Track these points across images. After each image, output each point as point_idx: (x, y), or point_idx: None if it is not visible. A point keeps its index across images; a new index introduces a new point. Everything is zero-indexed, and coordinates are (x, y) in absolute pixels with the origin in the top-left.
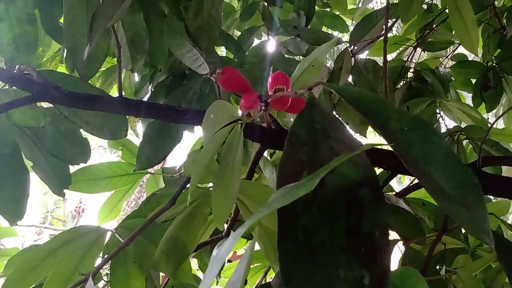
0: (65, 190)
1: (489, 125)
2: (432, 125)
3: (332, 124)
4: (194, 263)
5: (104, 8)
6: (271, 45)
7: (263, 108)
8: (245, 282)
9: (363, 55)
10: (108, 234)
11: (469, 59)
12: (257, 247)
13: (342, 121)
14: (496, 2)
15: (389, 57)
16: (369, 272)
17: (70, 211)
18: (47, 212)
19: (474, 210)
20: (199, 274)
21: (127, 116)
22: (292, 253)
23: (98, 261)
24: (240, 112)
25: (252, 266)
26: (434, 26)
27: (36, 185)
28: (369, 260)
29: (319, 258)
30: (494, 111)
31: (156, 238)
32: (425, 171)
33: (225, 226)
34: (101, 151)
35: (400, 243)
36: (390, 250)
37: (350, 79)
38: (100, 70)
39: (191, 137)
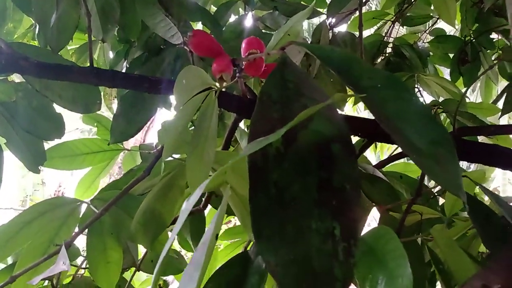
0: (44, 174)
1: (466, 98)
2: (405, 82)
3: (305, 83)
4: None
5: None
6: (248, 20)
7: (237, 74)
8: (216, 237)
9: (342, 29)
10: (84, 206)
11: (448, 34)
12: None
13: None
14: None
15: (368, 32)
16: (340, 224)
17: (50, 194)
18: (26, 196)
19: (446, 165)
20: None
21: (100, 89)
22: (263, 207)
23: None
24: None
25: (231, 241)
26: (412, 0)
27: (14, 168)
28: (340, 212)
29: (291, 211)
30: (472, 85)
31: (132, 210)
32: (398, 128)
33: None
34: (79, 134)
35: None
36: (360, 202)
37: None
38: (74, 47)
39: (170, 115)
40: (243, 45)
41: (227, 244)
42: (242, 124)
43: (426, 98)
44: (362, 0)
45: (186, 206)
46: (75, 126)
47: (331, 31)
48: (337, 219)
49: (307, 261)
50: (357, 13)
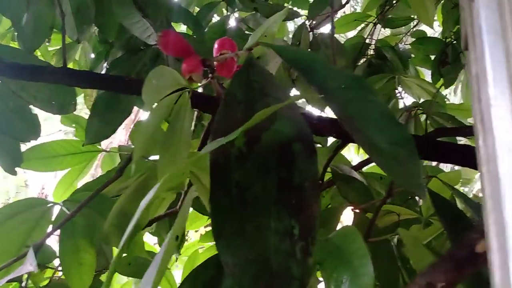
0: (27, 176)
1: (446, 100)
2: (369, 83)
3: (270, 83)
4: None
5: None
6: (231, 21)
7: (209, 75)
8: (176, 238)
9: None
10: (57, 208)
11: (429, 36)
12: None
13: (303, 97)
14: None
15: (350, 34)
16: (299, 223)
17: (33, 196)
18: (8, 199)
19: (407, 164)
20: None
21: (77, 91)
22: (224, 207)
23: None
24: None
25: (213, 243)
26: (394, 2)
27: None
28: (299, 211)
29: (251, 210)
30: (453, 87)
31: (106, 212)
32: (360, 128)
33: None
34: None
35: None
36: (318, 200)
37: None
38: (54, 48)
39: None
40: (215, 45)
41: (209, 246)
42: None
43: (408, 99)
44: (333, 3)
45: (142, 205)
46: (58, 127)
47: (311, 32)
48: (295, 218)
49: (265, 261)
50: (339, 14)
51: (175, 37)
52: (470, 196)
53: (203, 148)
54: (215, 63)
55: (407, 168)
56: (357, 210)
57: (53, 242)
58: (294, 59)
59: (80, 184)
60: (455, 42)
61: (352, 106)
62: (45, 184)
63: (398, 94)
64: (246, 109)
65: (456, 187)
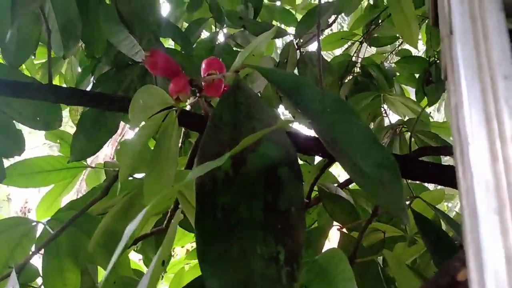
0: (10, 190)
1: (430, 118)
2: (352, 106)
3: (257, 105)
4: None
5: None
6: (220, 37)
7: (197, 94)
8: (163, 263)
9: (312, 48)
10: (41, 227)
11: (414, 55)
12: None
13: (290, 114)
14: None
15: (337, 52)
16: (285, 248)
17: (16, 211)
18: None
19: (390, 187)
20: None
21: (61, 106)
22: (210, 230)
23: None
24: None
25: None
26: (379, 21)
27: None
28: (285, 236)
29: (236, 234)
30: (437, 105)
31: (91, 231)
32: (344, 150)
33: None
34: (46, 149)
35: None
36: (304, 225)
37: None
38: (40, 62)
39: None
40: (203, 65)
41: (195, 263)
42: None
43: (393, 116)
44: (319, 23)
45: (129, 228)
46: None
47: (298, 50)
48: (282, 243)
49: (251, 286)
50: (326, 33)
51: (162, 57)
52: (454, 212)
53: (190, 173)
54: (202, 83)
55: (390, 191)
56: (344, 230)
57: (36, 260)
58: (279, 81)
59: (64, 200)
60: (438, 61)
61: (336, 129)
62: (28, 198)
63: (384, 112)
64: (233, 132)
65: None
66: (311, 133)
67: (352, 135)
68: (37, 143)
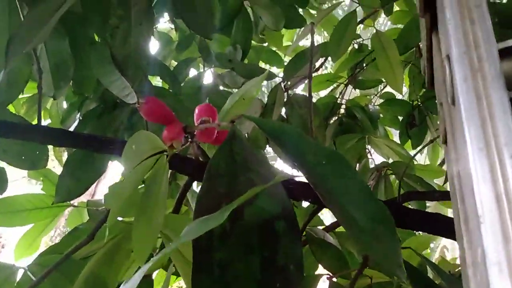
0: None
1: (414, 161)
2: (347, 159)
3: (253, 157)
4: None
5: (23, 31)
6: (207, 77)
7: (189, 140)
8: None
9: (299, 90)
10: (21, 272)
11: (397, 98)
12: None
13: (276, 154)
14: (420, 45)
15: (322, 93)
16: None
17: None
18: None
19: (385, 242)
20: None
21: (47, 145)
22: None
23: None
24: None
25: None
26: (364, 65)
27: None
28: None
29: None
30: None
31: (74, 276)
32: (339, 204)
33: None
34: (26, 182)
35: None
36: (303, 283)
37: (283, 113)
38: (25, 96)
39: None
40: (196, 111)
41: None
42: (194, 185)
43: (377, 158)
44: (311, 68)
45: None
46: (23, 174)
47: (286, 92)
48: None
49: None
50: (313, 75)
51: (157, 105)
52: (437, 251)
53: (187, 233)
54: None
55: (386, 246)
56: (334, 279)
57: None
58: (274, 133)
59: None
60: (421, 105)
61: (331, 182)
62: (2, 233)
63: (368, 153)
64: (229, 183)
65: None
66: (297, 173)
67: (347, 188)
68: (16, 177)
